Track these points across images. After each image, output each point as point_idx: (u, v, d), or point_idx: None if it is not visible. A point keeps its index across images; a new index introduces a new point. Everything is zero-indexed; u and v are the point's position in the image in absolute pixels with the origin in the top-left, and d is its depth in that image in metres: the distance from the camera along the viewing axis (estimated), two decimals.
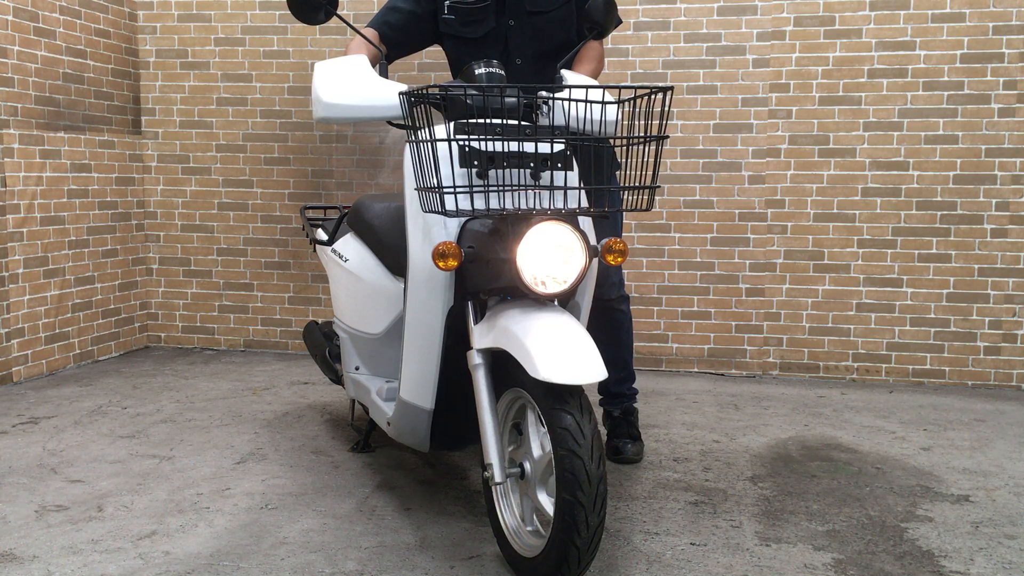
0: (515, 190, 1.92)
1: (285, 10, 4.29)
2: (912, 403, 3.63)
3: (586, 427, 1.81)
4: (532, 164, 2.07)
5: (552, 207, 1.97)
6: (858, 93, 3.92)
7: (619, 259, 2.01)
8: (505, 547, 2.04)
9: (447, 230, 2.11)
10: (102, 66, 4.27)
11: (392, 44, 2.78)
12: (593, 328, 3.00)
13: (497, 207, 1.92)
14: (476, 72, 2.22)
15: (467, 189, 1.98)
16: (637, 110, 1.95)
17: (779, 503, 2.48)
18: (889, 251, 3.96)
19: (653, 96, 1.93)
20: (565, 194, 1.97)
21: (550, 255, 1.91)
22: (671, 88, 1.94)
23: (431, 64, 4.24)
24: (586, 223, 2.23)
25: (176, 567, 2.04)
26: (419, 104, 1.95)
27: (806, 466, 2.81)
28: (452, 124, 2.10)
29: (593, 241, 2.19)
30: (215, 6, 4.42)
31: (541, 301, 1.98)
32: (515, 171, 2.03)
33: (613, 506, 2.43)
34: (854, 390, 3.86)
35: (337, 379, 2.94)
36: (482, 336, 2.01)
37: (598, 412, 3.35)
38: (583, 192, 2.14)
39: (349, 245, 2.81)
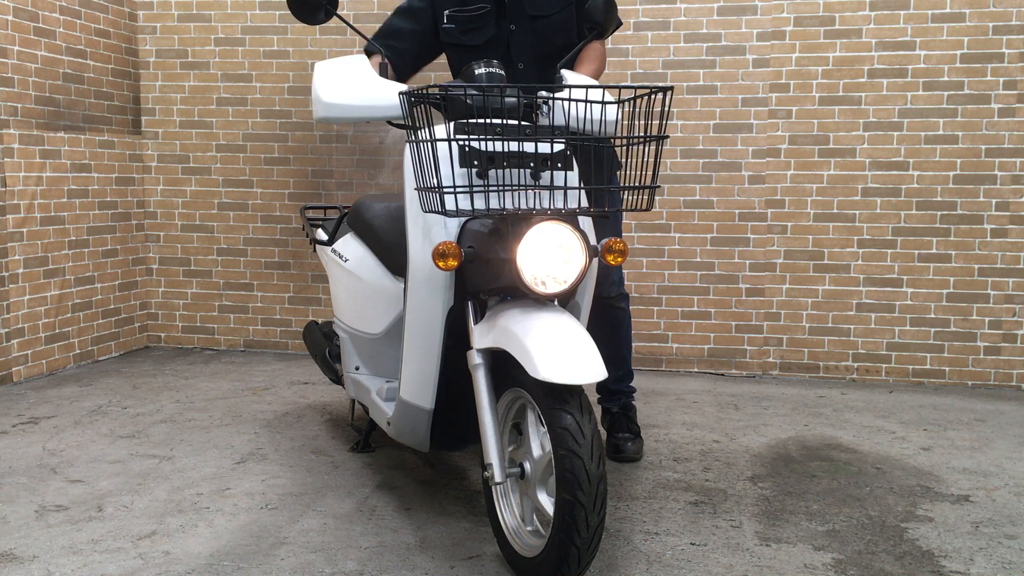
0: (515, 190, 1.92)
1: (285, 10, 4.29)
2: (912, 403, 3.63)
3: (586, 427, 1.81)
4: (532, 164, 2.07)
5: (552, 207, 1.97)
6: (858, 93, 3.92)
7: (619, 259, 2.01)
8: (505, 547, 2.04)
9: (447, 230, 2.11)
10: (102, 66, 4.27)
11: (401, 68, 2.77)
12: (593, 326, 3.02)
13: (497, 207, 1.92)
14: (476, 72, 2.23)
15: (467, 189, 1.98)
16: (637, 110, 1.95)
17: (779, 503, 2.48)
18: (889, 251, 3.96)
19: (653, 96, 1.93)
20: (565, 194, 1.97)
21: (550, 255, 1.91)
22: (671, 88, 1.94)
23: (431, 64, 4.23)
24: (586, 223, 2.23)
25: (176, 567, 2.04)
26: (419, 104, 1.95)
27: (806, 466, 2.81)
28: (452, 124, 2.10)
29: (593, 241, 2.19)
30: (215, 6, 4.42)
31: (541, 301, 1.98)
32: (515, 171, 2.03)
33: (613, 506, 2.43)
34: (854, 390, 3.86)
35: (337, 379, 2.94)
36: (482, 336, 2.01)
37: (597, 411, 3.35)
38: (583, 192, 2.14)
39: (349, 245, 2.81)
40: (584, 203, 2.12)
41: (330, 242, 2.92)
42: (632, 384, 3.04)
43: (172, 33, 4.47)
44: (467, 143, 2.04)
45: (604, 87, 2.02)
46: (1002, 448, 3.02)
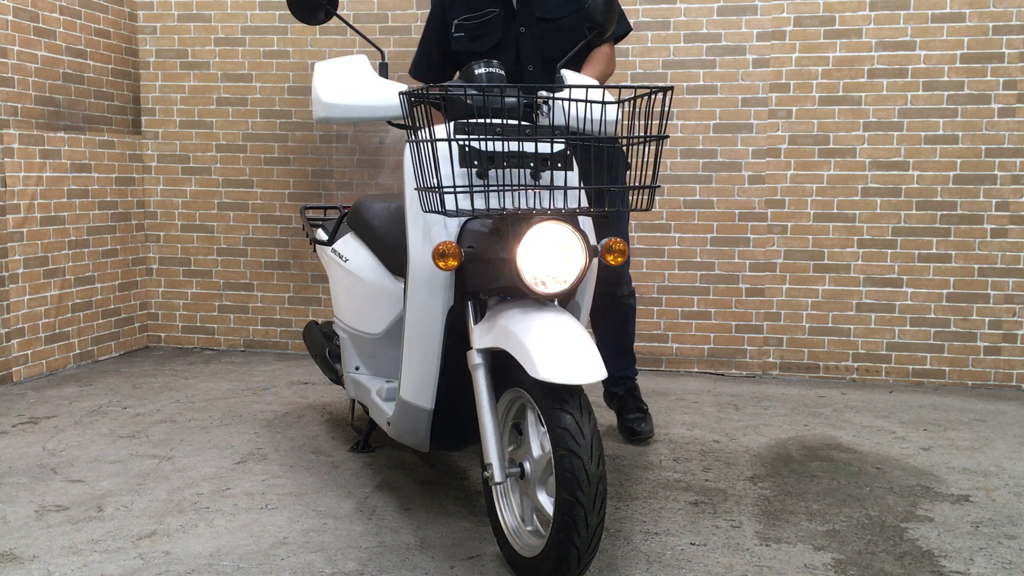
0: (515, 190, 1.92)
1: (285, 10, 4.29)
2: (912, 403, 3.63)
3: (586, 427, 1.81)
4: (532, 164, 2.07)
5: (552, 207, 1.97)
6: (858, 93, 3.92)
7: (619, 259, 2.01)
8: (505, 547, 2.04)
9: (447, 230, 2.11)
10: (102, 66, 4.27)
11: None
12: (602, 322, 3.10)
13: (497, 207, 1.92)
14: (476, 72, 2.23)
15: (467, 189, 1.98)
16: (637, 110, 1.95)
17: (779, 503, 2.48)
18: (889, 251, 3.96)
19: (653, 96, 1.93)
20: (565, 194, 1.97)
21: (550, 255, 1.91)
22: (671, 88, 1.94)
23: None
24: (586, 223, 2.23)
25: (176, 567, 2.04)
26: (419, 104, 1.95)
27: (806, 466, 2.81)
28: (452, 124, 2.10)
29: (593, 241, 2.19)
30: (215, 6, 4.42)
31: (541, 301, 1.98)
32: (515, 171, 2.03)
33: (613, 506, 2.43)
34: (854, 390, 3.86)
35: (337, 379, 2.94)
36: (482, 336, 2.01)
37: (600, 409, 3.35)
38: (583, 192, 2.14)
39: (349, 245, 2.81)
40: (584, 203, 2.12)
41: (330, 242, 2.92)
42: (635, 367, 3.19)
43: (172, 33, 4.47)
44: (467, 143, 2.04)
45: (604, 87, 2.02)
46: (1002, 448, 3.02)
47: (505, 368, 1.98)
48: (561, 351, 1.81)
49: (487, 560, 2.09)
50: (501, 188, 1.92)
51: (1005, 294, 3.88)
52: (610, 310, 3.06)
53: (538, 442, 1.98)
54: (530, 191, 1.97)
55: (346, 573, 2.02)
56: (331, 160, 4.40)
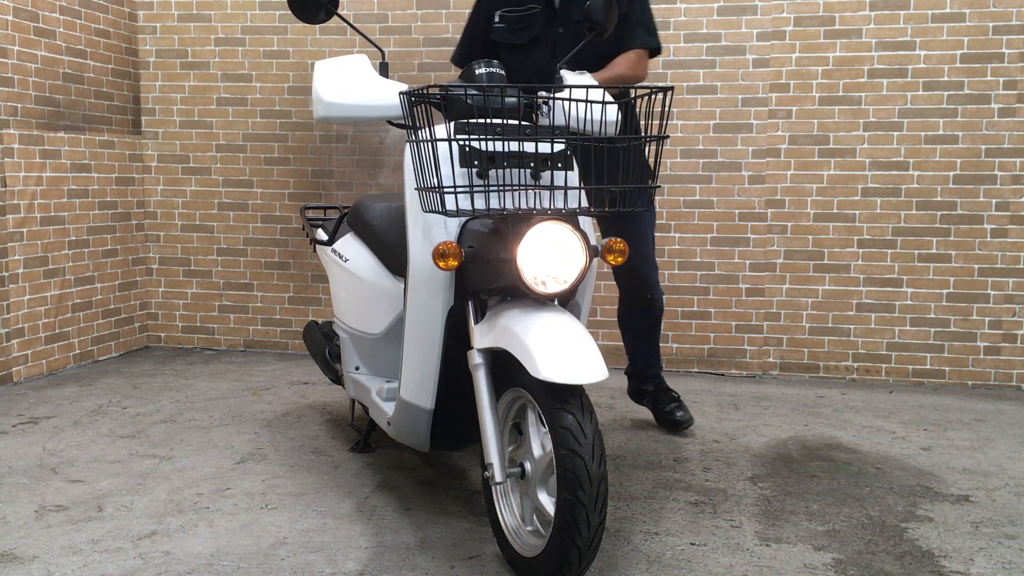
0: (515, 190, 1.92)
1: (285, 10, 4.29)
2: (912, 403, 3.63)
3: (587, 427, 1.81)
4: (532, 164, 2.06)
5: (552, 207, 1.97)
6: (858, 93, 3.92)
7: (619, 259, 2.01)
8: (505, 547, 2.04)
9: (447, 230, 2.11)
10: (102, 66, 4.27)
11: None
12: (634, 326, 3.16)
13: (497, 207, 1.92)
14: (476, 72, 2.23)
15: (467, 189, 1.98)
16: (637, 110, 1.95)
17: (779, 503, 2.48)
18: (889, 251, 3.96)
19: (653, 96, 1.93)
20: (565, 194, 1.97)
21: (550, 255, 1.91)
22: (671, 88, 1.94)
23: (431, 64, 4.25)
24: (586, 223, 2.23)
25: (176, 567, 2.04)
26: (419, 104, 1.95)
27: (806, 466, 2.81)
28: (452, 124, 2.10)
29: (594, 241, 2.19)
30: (215, 6, 4.42)
31: (541, 301, 1.98)
32: (515, 171, 2.03)
33: (613, 506, 2.43)
34: (854, 390, 3.86)
35: (337, 379, 2.94)
36: (482, 336, 2.01)
37: (599, 403, 3.35)
38: (583, 192, 2.14)
39: (349, 245, 2.81)
40: (584, 203, 2.12)
41: (330, 242, 2.92)
42: (660, 362, 3.29)
43: (172, 33, 4.47)
44: (467, 143, 2.04)
45: (604, 87, 2.02)
46: (1002, 448, 3.02)
47: (505, 368, 1.98)
48: (562, 351, 1.81)
49: (487, 560, 2.09)
50: (501, 188, 1.92)
51: (1005, 294, 3.88)
52: (641, 314, 3.15)
53: (539, 442, 1.98)
54: (530, 191, 1.97)
55: (346, 573, 2.02)
56: (331, 160, 4.40)
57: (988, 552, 2.16)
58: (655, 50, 3.00)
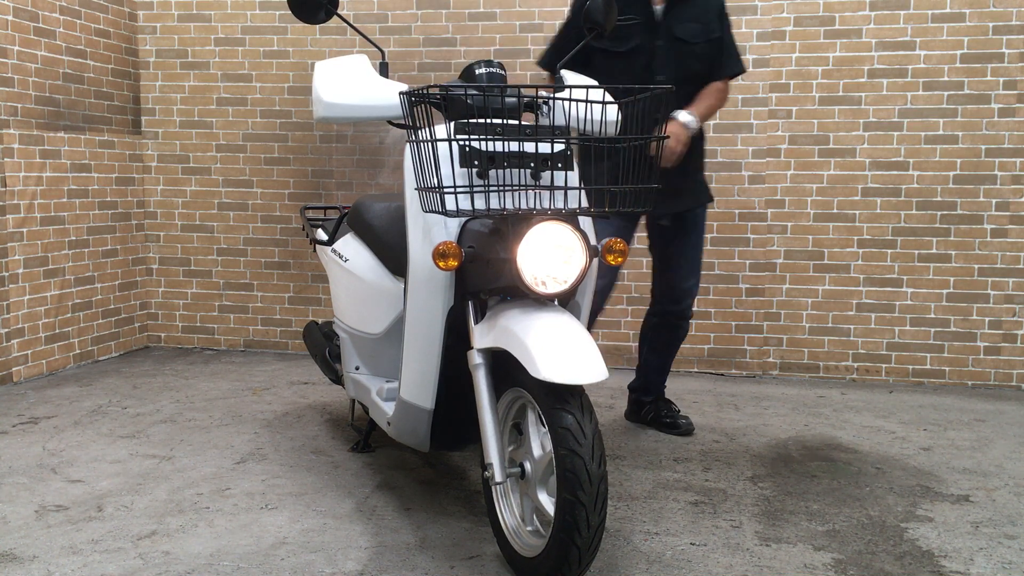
0: (515, 190, 1.92)
1: (285, 10, 4.29)
2: (912, 403, 3.63)
3: (587, 427, 1.81)
4: (532, 164, 2.06)
5: (552, 207, 1.97)
6: (858, 93, 3.92)
7: (619, 259, 2.01)
8: (505, 547, 2.04)
9: (447, 230, 2.11)
10: (102, 66, 4.27)
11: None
12: (656, 340, 3.19)
13: (497, 207, 1.92)
14: (476, 72, 2.22)
15: (467, 189, 1.98)
16: (637, 111, 1.95)
17: (779, 503, 2.48)
18: (889, 251, 3.96)
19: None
20: (565, 194, 1.97)
21: (550, 255, 1.91)
22: (671, 88, 1.94)
23: (431, 64, 4.25)
24: (586, 223, 2.23)
25: (176, 567, 2.04)
26: (419, 104, 1.95)
27: (806, 466, 2.81)
28: (452, 124, 2.10)
29: (594, 241, 2.19)
30: (215, 6, 4.42)
31: (541, 301, 1.98)
32: (515, 171, 2.03)
33: (613, 506, 2.43)
34: (854, 390, 3.86)
35: (337, 379, 2.94)
36: (482, 336, 2.01)
37: (599, 403, 3.35)
38: (583, 192, 2.14)
39: (349, 245, 2.81)
40: (584, 203, 2.12)
41: (330, 242, 2.92)
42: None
43: (172, 33, 4.47)
44: (467, 143, 2.04)
45: (604, 87, 2.02)
46: (1002, 448, 3.02)
47: (505, 368, 1.98)
48: (562, 351, 1.81)
49: (487, 560, 2.09)
50: (501, 188, 1.92)
51: (1005, 294, 3.88)
52: (666, 330, 3.17)
53: (539, 442, 1.98)
54: (530, 191, 1.97)
55: (346, 573, 2.02)
56: (331, 160, 4.40)
57: (988, 552, 2.16)
58: (740, 74, 3.09)
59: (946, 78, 3.84)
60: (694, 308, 3.20)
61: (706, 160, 3.13)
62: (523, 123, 2.17)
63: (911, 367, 3.98)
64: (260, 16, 4.39)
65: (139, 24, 4.50)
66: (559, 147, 2.12)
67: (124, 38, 4.41)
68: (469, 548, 2.16)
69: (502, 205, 1.92)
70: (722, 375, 4.12)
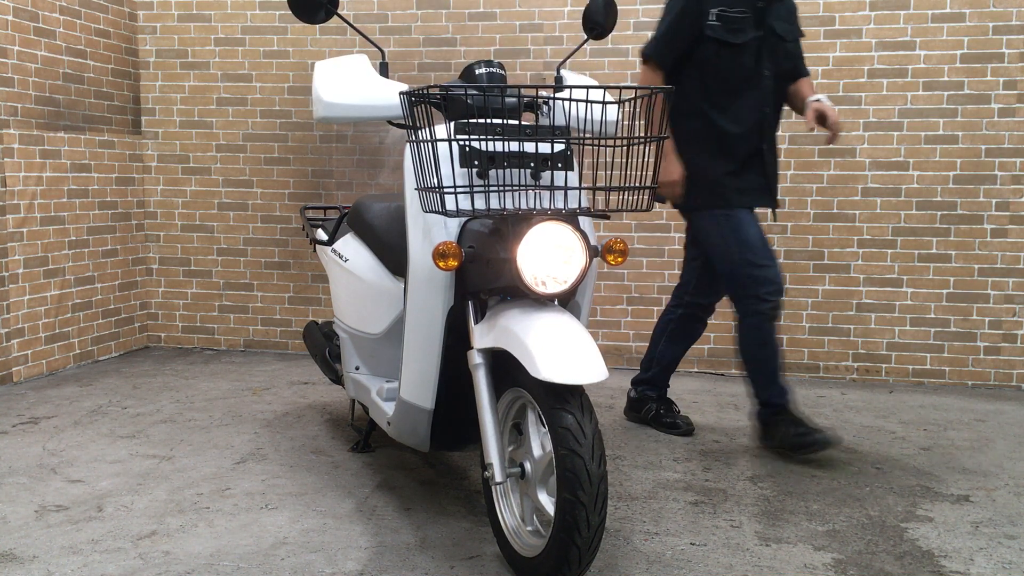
0: (515, 190, 1.92)
1: (285, 10, 4.29)
2: (912, 403, 3.63)
3: (587, 427, 1.81)
4: (532, 164, 2.06)
5: (552, 207, 1.97)
6: (858, 93, 3.92)
7: (619, 259, 2.01)
8: (505, 547, 2.04)
9: (447, 230, 2.11)
10: (102, 66, 4.27)
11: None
12: (677, 333, 3.19)
13: (497, 207, 1.92)
14: (476, 72, 2.22)
15: (467, 189, 1.98)
16: (637, 111, 1.95)
17: (779, 503, 2.48)
18: (889, 251, 3.96)
19: (653, 96, 1.93)
20: (565, 194, 1.97)
21: (550, 255, 1.91)
22: (671, 88, 1.94)
23: (431, 64, 4.25)
24: (587, 223, 2.23)
25: (176, 567, 2.04)
26: (419, 104, 1.95)
27: (806, 466, 2.81)
28: (452, 124, 2.10)
29: (594, 241, 2.19)
30: (215, 6, 4.42)
31: (541, 301, 1.98)
32: (515, 171, 2.03)
33: (613, 506, 2.43)
34: (854, 390, 3.86)
35: (337, 379, 2.94)
36: (482, 336, 2.01)
37: (599, 403, 3.35)
38: (583, 192, 2.14)
39: (349, 245, 2.81)
40: (584, 203, 2.12)
41: (330, 242, 2.92)
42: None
43: (172, 33, 4.47)
44: (467, 143, 2.04)
45: (604, 87, 2.02)
46: (1002, 448, 3.02)
47: (505, 368, 1.98)
48: (562, 351, 1.81)
49: (487, 560, 2.09)
50: (501, 188, 1.92)
51: (1005, 294, 3.88)
52: (691, 322, 3.18)
53: (539, 442, 1.98)
54: (530, 191, 1.97)
55: (346, 573, 2.02)
56: (331, 160, 4.40)
57: (988, 552, 2.16)
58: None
59: (946, 78, 3.85)
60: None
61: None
62: (523, 123, 2.18)
63: (911, 367, 3.98)
64: (260, 16, 4.39)
65: (139, 24, 4.50)
66: (559, 147, 2.13)
67: (124, 38, 4.42)
68: (469, 548, 2.16)
69: (502, 205, 1.92)
70: (722, 375, 4.12)
